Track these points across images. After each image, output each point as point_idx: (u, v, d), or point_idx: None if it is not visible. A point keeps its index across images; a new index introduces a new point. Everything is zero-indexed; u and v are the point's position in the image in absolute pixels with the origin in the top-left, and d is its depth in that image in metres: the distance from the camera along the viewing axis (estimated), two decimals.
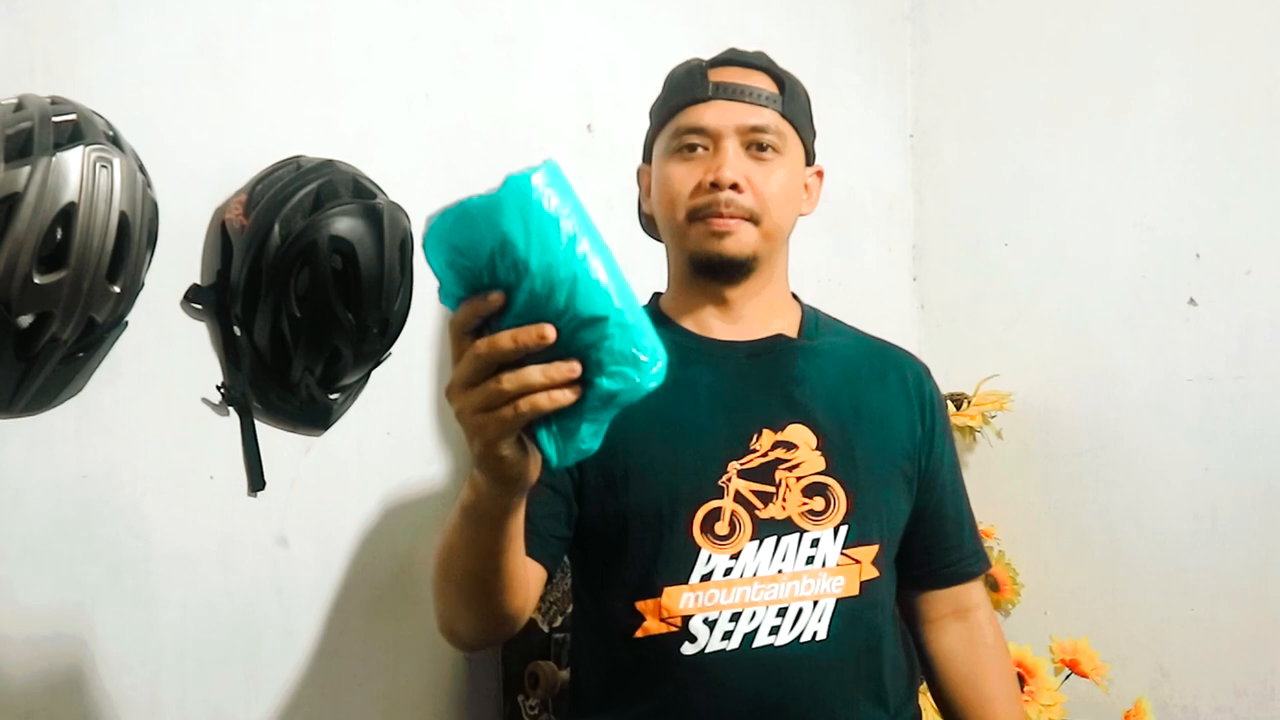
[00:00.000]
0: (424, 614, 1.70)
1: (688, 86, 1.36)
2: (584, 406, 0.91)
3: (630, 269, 1.93)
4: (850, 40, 2.43)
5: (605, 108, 1.97)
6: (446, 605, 1.21)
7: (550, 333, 0.88)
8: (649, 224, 1.46)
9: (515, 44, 1.87)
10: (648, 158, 1.43)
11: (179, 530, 1.49)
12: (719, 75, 1.35)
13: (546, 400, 0.89)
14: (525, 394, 0.89)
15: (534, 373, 0.89)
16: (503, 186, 0.88)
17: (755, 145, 1.34)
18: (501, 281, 0.89)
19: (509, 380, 0.89)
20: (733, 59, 1.39)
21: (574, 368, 0.89)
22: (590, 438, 0.93)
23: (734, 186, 1.31)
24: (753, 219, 1.33)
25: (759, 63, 1.39)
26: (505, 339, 0.89)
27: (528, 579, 1.20)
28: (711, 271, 1.36)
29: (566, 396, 0.90)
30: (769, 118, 1.34)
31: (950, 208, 2.49)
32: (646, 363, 0.92)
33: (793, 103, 1.37)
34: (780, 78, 1.38)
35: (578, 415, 0.92)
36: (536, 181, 0.88)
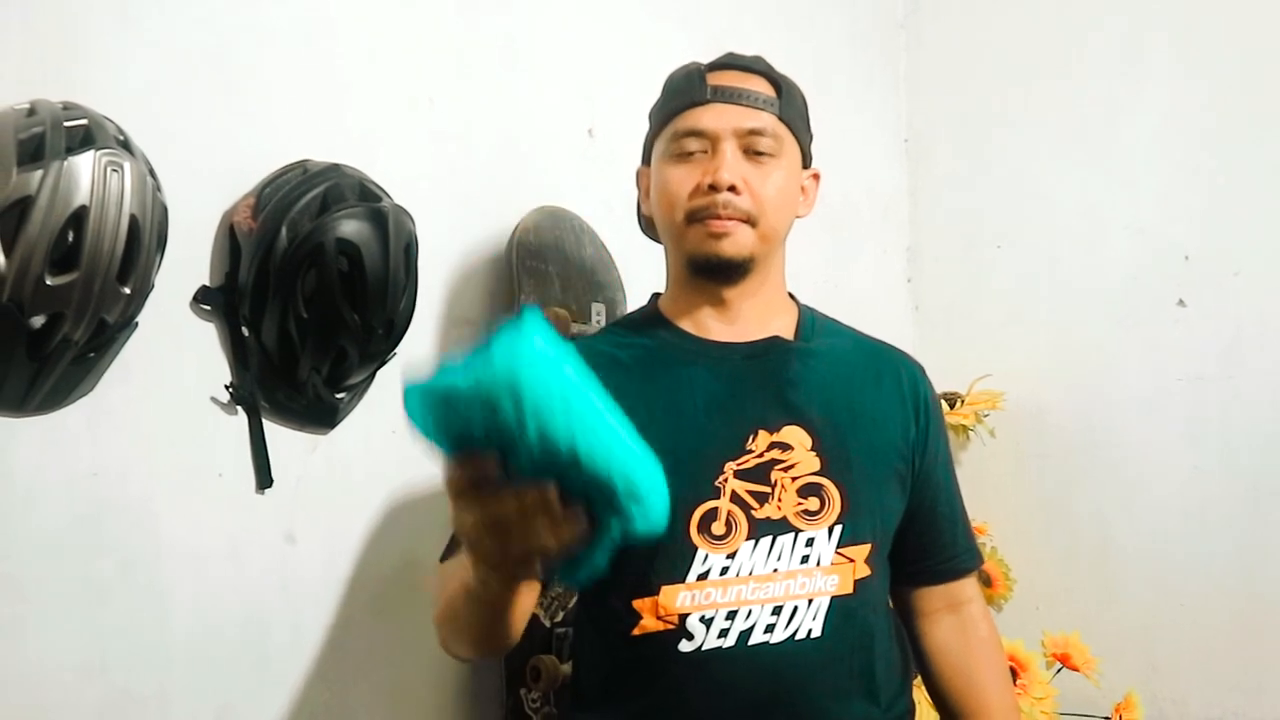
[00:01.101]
0: (428, 609, 1.70)
1: (686, 89, 1.36)
2: (593, 542, 0.90)
3: (631, 272, 1.94)
4: (846, 47, 2.44)
5: (606, 112, 1.97)
6: (447, 636, 1.26)
7: (554, 495, 0.86)
8: (648, 225, 1.46)
9: (517, 49, 1.87)
10: (647, 160, 1.43)
11: (188, 527, 1.49)
12: (717, 79, 1.35)
13: (556, 549, 0.89)
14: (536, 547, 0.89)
15: (545, 535, 0.88)
16: (489, 363, 0.83)
17: (753, 148, 1.34)
18: (495, 441, 0.86)
19: (519, 537, 0.88)
20: (731, 63, 1.39)
21: (584, 526, 0.88)
22: (600, 560, 0.92)
23: (731, 188, 1.31)
24: (749, 221, 1.33)
25: (757, 67, 1.39)
26: (510, 505, 0.87)
27: (527, 609, 1.25)
28: (709, 272, 1.36)
29: (576, 545, 0.89)
30: (766, 121, 1.34)
31: (944, 211, 2.50)
32: (653, 504, 0.90)
33: (790, 106, 1.37)
34: (777, 81, 1.38)
35: (588, 549, 0.91)
36: (525, 359, 0.84)
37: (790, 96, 1.38)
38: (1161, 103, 2.18)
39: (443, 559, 1.37)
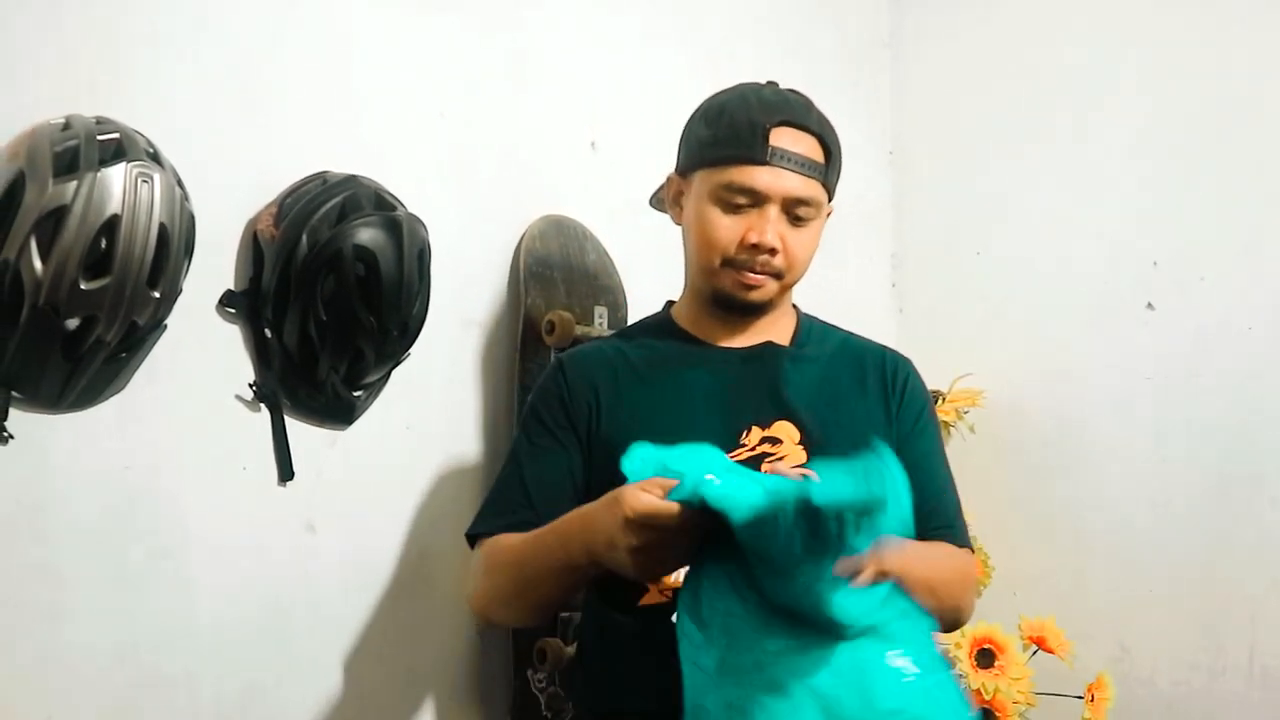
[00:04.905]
0: (441, 594, 1.71)
1: (748, 141, 1.33)
2: None
3: (631, 276, 1.94)
4: (834, 64, 2.44)
5: (607, 126, 1.97)
6: (500, 600, 1.34)
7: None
8: (659, 205, 1.50)
9: (524, 67, 1.87)
10: (681, 171, 1.42)
11: (214, 518, 1.49)
12: (778, 138, 1.33)
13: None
14: None
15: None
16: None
17: (795, 210, 1.35)
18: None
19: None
20: (791, 119, 1.35)
21: None
22: None
23: (771, 250, 1.34)
24: (778, 275, 1.36)
25: (813, 127, 1.37)
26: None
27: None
28: (731, 309, 1.40)
29: None
30: (813, 190, 1.35)
31: (927, 219, 2.50)
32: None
33: (833, 171, 1.38)
34: (828, 144, 1.37)
35: None
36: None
37: (835, 158, 1.38)
38: (1132, 119, 2.18)
39: (474, 537, 1.39)
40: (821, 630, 1.08)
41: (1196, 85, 2.11)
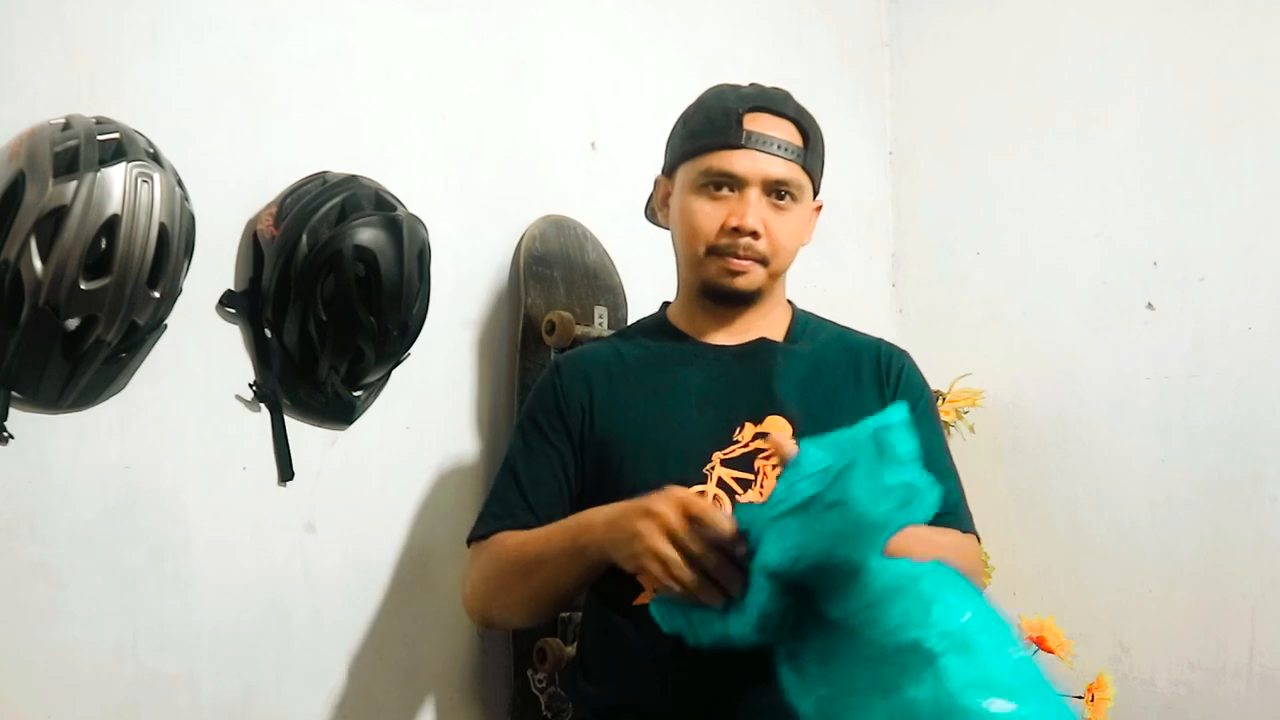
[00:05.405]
0: (441, 594, 1.70)
1: (723, 127, 1.35)
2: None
3: (631, 276, 1.94)
4: (833, 65, 2.44)
5: (607, 127, 1.97)
6: (502, 597, 1.32)
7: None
8: (653, 216, 1.51)
9: (524, 69, 1.87)
10: (667, 171, 1.43)
11: (215, 517, 1.49)
12: (753, 122, 1.34)
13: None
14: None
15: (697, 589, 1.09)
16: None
17: (775, 193, 1.35)
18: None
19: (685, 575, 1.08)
20: (766, 105, 1.37)
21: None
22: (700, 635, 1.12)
23: (753, 233, 1.33)
24: (763, 261, 1.36)
25: (789, 112, 1.38)
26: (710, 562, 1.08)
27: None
28: (720, 299, 1.40)
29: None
30: (792, 172, 1.35)
31: (926, 219, 2.50)
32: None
33: (813, 154, 1.38)
34: (805, 129, 1.38)
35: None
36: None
37: (815, 144, 1.38)
38: (1130, 119, 2.18)
39: (473, 539, 1.39)
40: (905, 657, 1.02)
41: (1196, 85, 2.11)
